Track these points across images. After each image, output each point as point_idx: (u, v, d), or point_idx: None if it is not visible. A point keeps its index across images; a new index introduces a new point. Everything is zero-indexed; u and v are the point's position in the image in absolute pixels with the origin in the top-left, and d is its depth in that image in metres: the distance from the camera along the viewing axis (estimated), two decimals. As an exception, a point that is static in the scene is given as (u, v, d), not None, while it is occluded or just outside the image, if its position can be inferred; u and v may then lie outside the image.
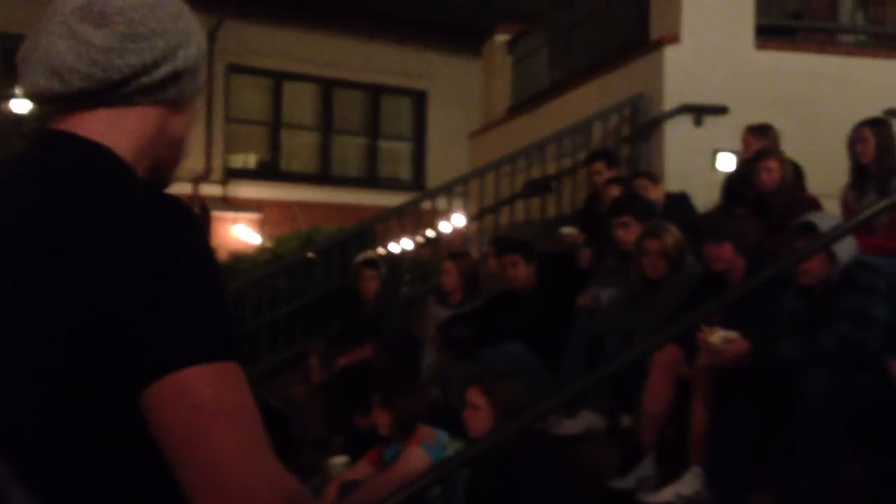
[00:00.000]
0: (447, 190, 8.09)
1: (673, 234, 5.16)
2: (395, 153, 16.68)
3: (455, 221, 8.95)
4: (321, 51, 15.37)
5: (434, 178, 15.00)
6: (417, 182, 16.12)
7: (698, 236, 4.92)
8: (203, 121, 14.58)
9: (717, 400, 4.44)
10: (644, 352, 4.17)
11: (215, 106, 14.84)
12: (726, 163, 7.61)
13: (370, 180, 15.98)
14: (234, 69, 15.07)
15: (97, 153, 1.22)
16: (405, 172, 16.56)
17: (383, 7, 15.99)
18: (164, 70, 1.26)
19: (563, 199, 8.39)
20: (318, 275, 7.48)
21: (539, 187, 8.75)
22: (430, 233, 8.67)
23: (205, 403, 1.06)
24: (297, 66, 15.48)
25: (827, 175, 6.43)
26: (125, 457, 1.12)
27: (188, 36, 1.30)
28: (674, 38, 7.65)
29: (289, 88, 15.76)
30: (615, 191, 6.41)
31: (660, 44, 7.69)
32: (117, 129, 1.25)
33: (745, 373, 4.26)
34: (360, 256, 6.86)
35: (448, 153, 14.99)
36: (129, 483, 1.12)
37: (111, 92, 1.24)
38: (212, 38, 14.45)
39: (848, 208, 5.81)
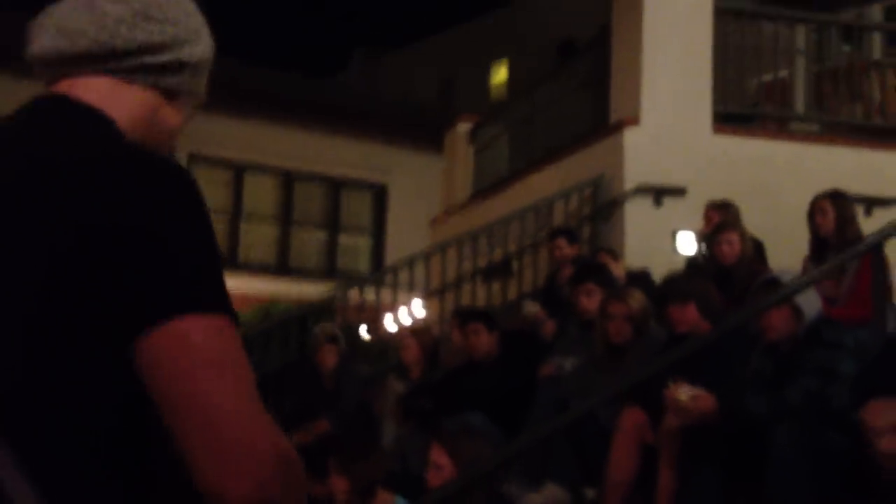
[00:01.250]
0: (409, 264, 8.03)
1: (637, 299, 5.13)
2: (355, 246, 16.67)
3: (414, 306, 8.88)
4: (283, 143, 15.46)
5: (392, 290, 15.01)
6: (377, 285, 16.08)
7: (662, 299, 4.89)
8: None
9: (684, 464, 4.36)
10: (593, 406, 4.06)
11: (175, 195, 14.78)
12: (686, 242, 7.66)
13: (329, 272, 15.91)
14: (196, 159, 15.08)
15: (92, 114, 1.24)
16: (364, 266, 16.52)
17: (345, 102, 16.24)
18: (169, 56, 1.30)
19: (525, 278, 8.37)
20: (274, 348, 7.34)
21: (500, 270, 8.75)
22: (388, 318, 8.59)
23: (204, 352, 1.04)
24: (259, 158, 15.54)
25: (786, 251, 6.48)
26: (111, 416, 1.07)
27: (198, 34, 1.35)
28: (633, 121, 7.78)
29: (249, 179, 15.78)
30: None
31: (620, 126, 7.81)
32: (113, 100, 1.27)
33: (712, 434, 4.19)
34: (320, 329, 6.75)
35: (408, 247, 15.02)
36: (110, 446, 1.08)
37: (114, 61, 1.27)
38: (174, 128, 14.54)
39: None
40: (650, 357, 4.94)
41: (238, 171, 15.58)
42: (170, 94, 1.33)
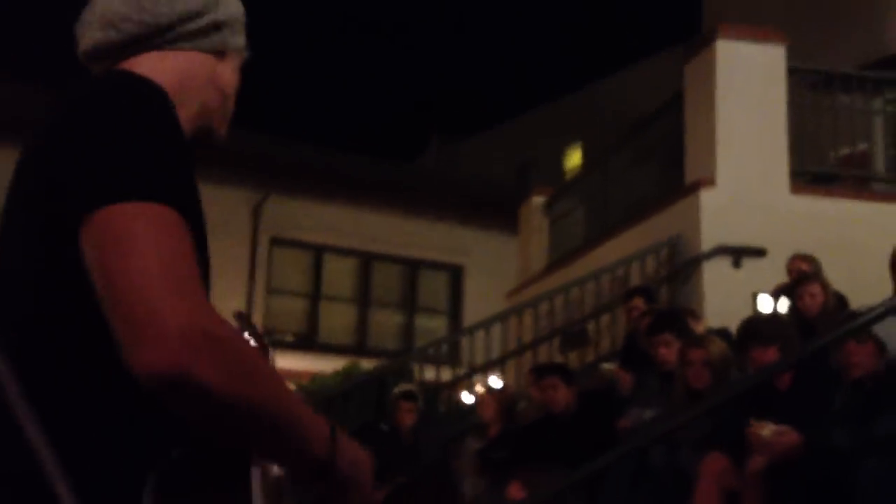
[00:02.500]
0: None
1: (717, 345, 5.08)
2: (432, 327, 16.71)
3: (491, 380, 8.85)
4: (361, 225, 15.69)
5: (468, 352, 15.00)
6: (453, 355, 16.09)
7: (744, 342, 4.83)
8: (244, 291, 14.83)
9: (769, 507, 4.25)
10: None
11: (257, 277, 15.09)
12: (767, 305, 7.54)
13: (407, 353, 15.96)
14: (277, 242, 15.41)
15: (134, 76, 1.31)
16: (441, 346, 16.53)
17: (422, 184, 16.51)
18: (207, 18, 1.41)
19: (602, 343, 8.32)
20: (354, 408, 7.38)
21: (577, 339, 8.71)
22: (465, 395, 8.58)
23: (117, 233, 1.09)
24: (338, 240, 15.79)
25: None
26: (72, 304, 1.16)
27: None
28: (710, 181, 7.77)
29: (329, 261, 16.02)
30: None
31: (696, 187, 7.81)
32: (162, 67, 1.36)
33: (798, 475, 4.09)
34: (398, 388, 6.79)
35: (493, 334, 15.00)
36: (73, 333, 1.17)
37: (160, 36, 1.37)
38: (257, 212, 14.94)
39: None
40: (731, 401, 4.87)
41: (318, 253, 15.86)
42: (218, 54, 1.44)
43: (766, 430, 4.02)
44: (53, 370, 1.16)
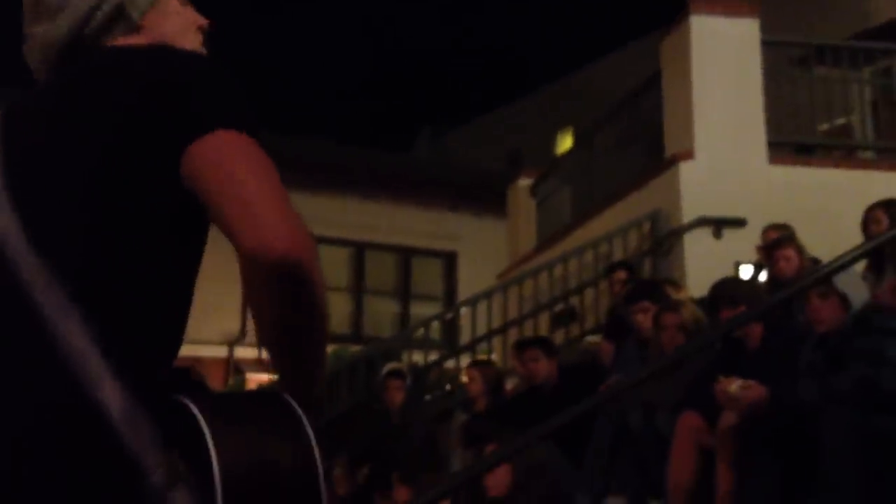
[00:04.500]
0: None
1: (689, 309, 5.18)
2: (427, 314, 16.79)
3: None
4: (353, 215, 15.76)
5: (466, 337, 15.12)
6: (449, 341, 16.20)
7: (714, 303, 4.93)
8: (239, 283, 14.88)
9: (741, 464, 4.35)
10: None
11: (251, 270, 15.16)
12: (748, 275, 7.64)
13: (403, 341, 16.05)
14: (270, 234, 15.49)
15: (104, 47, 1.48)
16: (436, 332, 16.64)
17: (413, 173, 16.60)
18: (99, 17, 1.47)
19: (587, 317, 8.43)
20: (343, 389, 7.49)
21: (565, 317, 8.82)
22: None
23: (244, 155, 1.27)
24: (330, 230, 15.87)
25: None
26: (159, 236, 1.31)
27: None
28: (688, 155, 7.87)
29: (322, 252, 16.05)
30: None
31: (674, 160, 7.90)
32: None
33: (767, 430, 4.19)
34: (387, 367, 6.89)
35: (479, 312, 15.11)
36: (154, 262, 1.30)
37: (75, 50, 1.46)
38: (249, 205, 15.01)
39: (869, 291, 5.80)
40: (705, 365, 4.97)
41: (311, 245, 15.94)
42: (133, 30, 1.49)
43: (733, 385, 4.12)
44: (110, 281, 1.27)
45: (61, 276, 1.22)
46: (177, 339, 1.33)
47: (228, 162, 1.25)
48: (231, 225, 1.22)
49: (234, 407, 1.20)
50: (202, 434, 1.11)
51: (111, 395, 1.16)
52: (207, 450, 1.09)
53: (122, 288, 1.26)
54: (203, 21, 1.59)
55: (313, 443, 1.16)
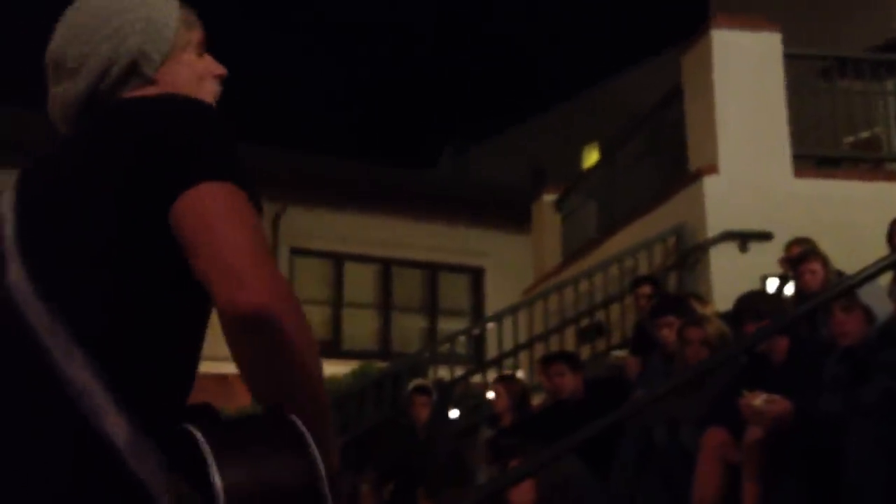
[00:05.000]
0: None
1: (714, 324, 5.19)
2: (455, 329, 16.82)
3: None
4: (380, 232, 15.83)
5: (493, 352, 15.11)
6: (477, 357, 16.22)
7: (739, 317, 4.94)
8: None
9: (766, 478, 4.35)
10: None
11: (280, 288, 15.24)
12: (775, 288, 7.62)
13: (430, 356, 16.09)
14: (297, 252, 15.61)
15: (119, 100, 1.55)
16: (463, 348, 16.67)
17: (438, 189, 16.66)
18: (114, 72, 1.53)
19: (613, 332, 8.43)
20: (370, 405, 7.53)
21: (591, 332, 8.83)
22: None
23: (218, 205, 1.31)
24: (357, 248, 15.96)
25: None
26: (154, 275, 1.36)
27: (121, 33, 1.54)
28: (712, 169, 7.87)
29: (349, 269, 16.18)
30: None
31: (699, 174, 7.91)
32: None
33: (793, 444, 4.20)
34: (412, 383, 6.93)
35: (505, 327, 15.13)
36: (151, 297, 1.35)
37: (99, 100, 1.54)
38: (275, 223, 15.14)
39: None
40: (730, 380, 4.97)
41: (338, 262, 16.03)
42: (147, 83, 1.55)
43: (758, 399, 4.13)
44: (112, 323, 1.33)
45: (65, 321, 1.30)
46: (183, 374, 1.39)
47: (208, 215, 1.30)
48: (207, 280, 1.27)
49: (239, 431, 1.24)
50: (206, 459, 1.15)
51: (116, 426, 1.24)
52: (211, 474, 1.14)
53: (125, 330, 1.33)
54: (220, 70, 1.64)
55: (318, 461, 1.18)
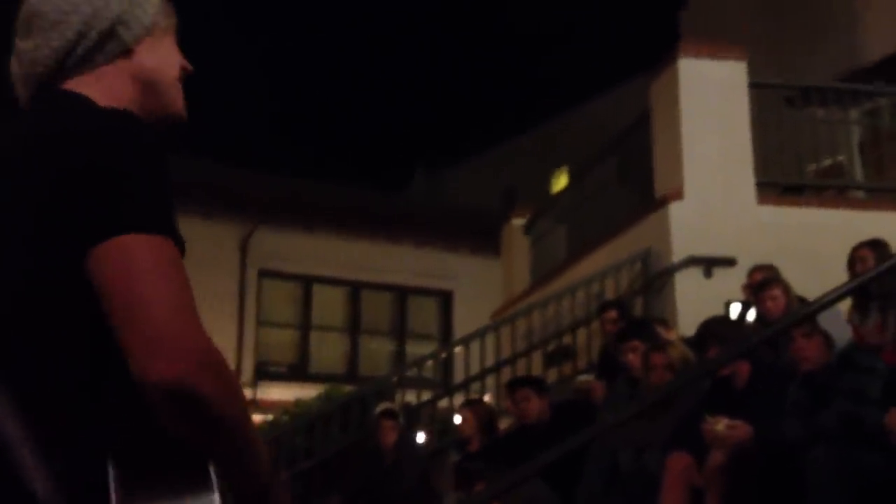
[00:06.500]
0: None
1: (677, 349, 5.25)
2: (423, 353, 16.80)
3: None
4: (349, 255, 15.80)
5: (461, 376, 15.09)
6: (444, 381, 16.19)
7: (702, 342, 5.00)
8: (235, 324, 14.94)
9: (729, 502, 4.40)
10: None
11: (247, 310, 15.20)
12: (738, 313, 7.70)
13: (397, 380, 16.04)
14: (266, 274, 15.54)
15: (73, 95, 1.45)
16: (431, 371, 16.65)
17: (408, 213, 16.68)
18: (93, 36, 1.47)
19: (580, 356, 8.48)
20: (336, 430, 7.51)
21: (558, 356, 8.87)
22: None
23: (135, 259, 1.23)
24: (326, 270, 15.91)
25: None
26: (75, 322, 1.28)
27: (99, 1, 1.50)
28: (678, 195, 7.96)
29: (318, 292, 16.13)
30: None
31: (665, 200, 8.00)
32: (95, 87, 1.46)
33: (755, 468, 4.24)
34: (379, 407, 6.93)
35: (472, 351, 15.11)
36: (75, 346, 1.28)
37: (62, 71, 1.46)
38: (244, 245, 15.09)
39: (854, 330, 5.87)
40: (694, 404, 5.02)
41: (306, 284, 15.98)
42: (126, 54, 1.49)
43: (720, 424, 4.18)
44: (38, 372, 1.27)
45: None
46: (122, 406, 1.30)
47: (130, 271, 1.22)
48: (123, 344, 1.21)
49: (153, 471, 1.26)
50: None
51: (41, 482, 1.20)
52: None
53: (51, 378, 1.27)
54: (187, 65, 1.59)
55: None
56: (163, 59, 1.55)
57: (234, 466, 1.28)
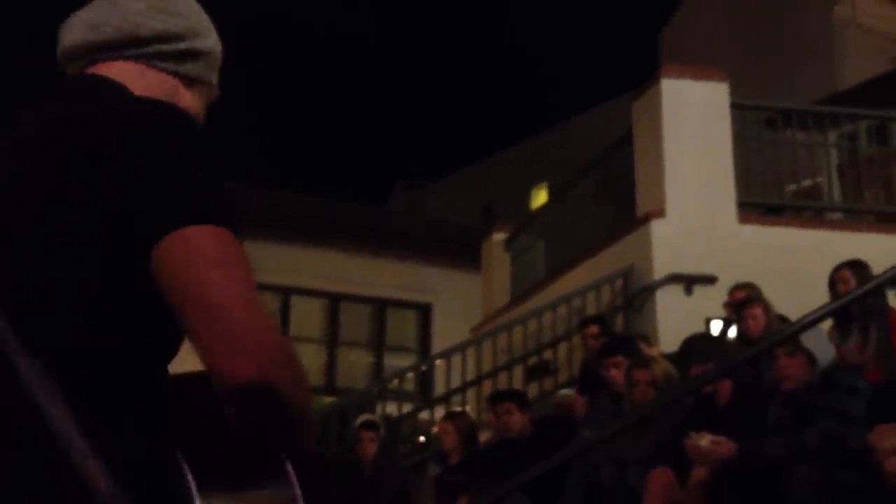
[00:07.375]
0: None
1: (661, 365, 5.29)
2: (402, 365, 16.79)
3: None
4: (328, 267, 15.79)
5: (441, 389, 15.11)
6: (423, 394, 16.19)
7: (684, 360, 5.04)
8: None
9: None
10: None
11: (223, 320, 15.13)
12: (718, 330, 7.77)
13: (377, 392, 16.03)
14: (243, 285, 15.47)
15: (109, 81, 1.45)
16: (410, 384, 16.65)
17: (388, 225, 16.70)
18: (184, 45, 1.50)
19: (561, 371, 8.52)
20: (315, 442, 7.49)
21: (539, 371, 8.90)
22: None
23: (206, 253, 1.19)
24: (305, 282, 15.89)
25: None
26: (137, 317, 1.26)
27: (209, 29, 1.55)
28: (659, 213, 8.03)
29: (296, 303, 16.10)
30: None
31: (646, 218, 8.07)
32: (132, 78, 1.46)
33: (737, 486, 4.28)
34: (360, 418, 6.92)
35: (453, 365, 15.14)
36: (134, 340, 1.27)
37: (134, 47, 1.47)
38: (221, 255, 15.02)
39: (836, 350, 5.93)
40: (677, 420, 5.06)
41: (285, 295, 15.94)
42: (188, 81, 1.52)
43: (703, 440, 4.22)
44: (93, 373, 1.24)
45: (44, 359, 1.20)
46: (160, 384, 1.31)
47: (198, 264, 1.19)
48: (198, 341, 1.18)
49: (225, 460, 1.23)
50: (192, 496, 1.15)
51: (95, 473, 1.15)
52: None
53: (100, 366, 1.24)
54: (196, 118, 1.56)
55: (299, 499, 1.19)
56: (197, 110, 1.55)
57: (297, 442, 1.25)
